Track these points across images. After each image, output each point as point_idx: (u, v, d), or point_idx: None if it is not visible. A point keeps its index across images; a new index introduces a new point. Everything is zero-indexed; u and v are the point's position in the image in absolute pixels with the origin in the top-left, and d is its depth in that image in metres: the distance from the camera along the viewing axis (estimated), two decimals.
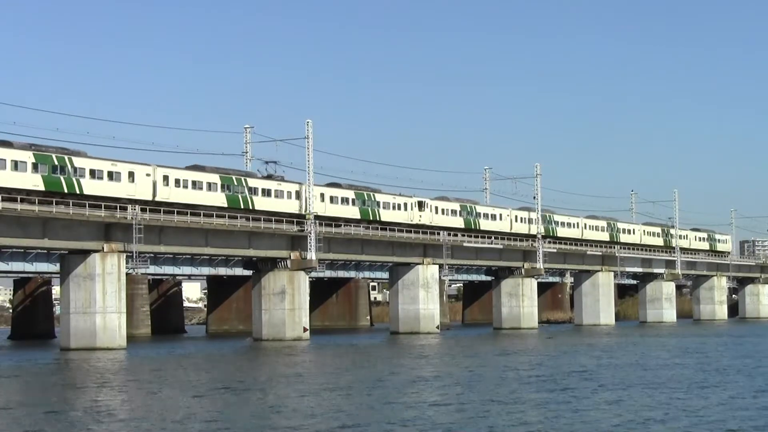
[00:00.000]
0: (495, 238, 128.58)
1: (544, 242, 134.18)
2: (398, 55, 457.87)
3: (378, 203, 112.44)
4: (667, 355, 73.16)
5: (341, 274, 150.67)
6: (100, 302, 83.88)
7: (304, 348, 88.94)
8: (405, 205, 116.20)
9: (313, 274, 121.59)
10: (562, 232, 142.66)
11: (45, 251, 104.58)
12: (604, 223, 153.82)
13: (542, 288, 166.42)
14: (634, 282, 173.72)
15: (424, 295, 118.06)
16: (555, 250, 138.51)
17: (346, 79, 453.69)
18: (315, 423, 35.82)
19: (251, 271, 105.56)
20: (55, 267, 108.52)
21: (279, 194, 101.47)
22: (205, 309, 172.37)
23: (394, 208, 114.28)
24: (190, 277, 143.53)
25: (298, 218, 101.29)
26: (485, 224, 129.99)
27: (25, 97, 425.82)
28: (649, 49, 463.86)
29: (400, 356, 76.29)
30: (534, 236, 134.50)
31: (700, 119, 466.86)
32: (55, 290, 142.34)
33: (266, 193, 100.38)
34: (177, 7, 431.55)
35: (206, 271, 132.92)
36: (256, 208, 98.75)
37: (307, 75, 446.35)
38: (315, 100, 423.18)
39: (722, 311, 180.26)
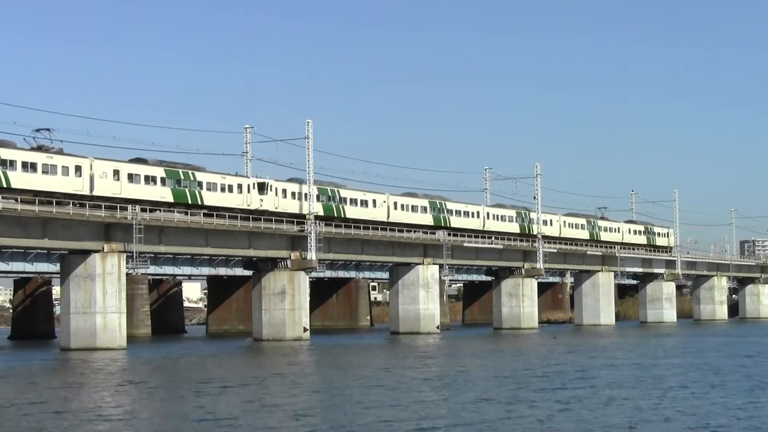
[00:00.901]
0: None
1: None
2: (398, 55, 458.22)
3: (199, 183, 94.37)
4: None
5: (341, 274, 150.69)
6: (101, 302, 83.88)
7: (305, 348, 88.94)
8: (239, 186, 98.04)
9: (313, 274, 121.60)
10: (457, 222, 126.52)
11: (45, 251, 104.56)
12: (513, 213, 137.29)
13: (542, 288, 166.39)
14: (634, 282, 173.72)
15: (424, 295, 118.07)
16: (555, 251, 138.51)
17: (346, 79, 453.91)
18: (312, 423, 35.83)
19: (251, 271, 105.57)
20: (55, 267, 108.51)
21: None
22: (205, 309, 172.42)
23: (223, 189, 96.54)
24: (190, 277, 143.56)
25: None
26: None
27: (25, 97, 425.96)
28: (649, 49, 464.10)
29: (403, 356, 76.26)
30: (534, 236, 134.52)
31: (700, 119, 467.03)
32: (55, 290, 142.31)
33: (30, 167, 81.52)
34: (177, 7, 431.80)
35: (206, 271, 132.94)
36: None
37: (307, 75, 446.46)
38: (315, 100, 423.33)
39: (722, 311, 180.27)
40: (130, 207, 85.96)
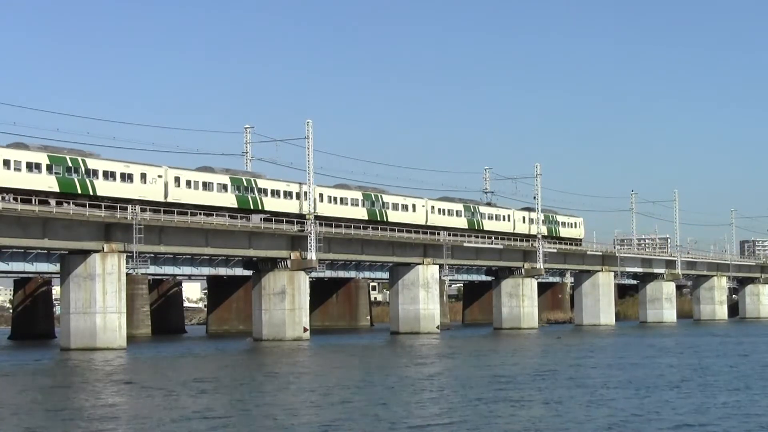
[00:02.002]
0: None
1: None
2: (398, 55, 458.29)
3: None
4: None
5: (341, 274, 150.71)
6: (101, 302, 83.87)
7: (305, 348, 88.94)
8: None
9: (313, 274, 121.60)
10: (395, 216, 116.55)
11: (45, 251, 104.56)
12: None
13: (542, 288, 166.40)
14: (634, 282, 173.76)
15: (425, 295, 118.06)
16: (555, 251, 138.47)
17: (346, 79, 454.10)
18: (308, 423, 35.86)
19: (251, 271, 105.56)
20: (55, 267, 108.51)
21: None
22: (205, 309, 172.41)
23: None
24: (190, 277, 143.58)
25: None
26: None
27: (26, 97, 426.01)
28: (649, 49, 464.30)
29: (407, 357, 76.25)
30: (534, 236, 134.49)
31: (700, 119, 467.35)
32: (55, 290, 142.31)
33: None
34: (177, 7, 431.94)
35: (206, 271, 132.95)
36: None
37: (307, 75, 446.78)
38: (315, 100, 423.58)
39: (722, 311, 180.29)
40: (130, 207, 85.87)
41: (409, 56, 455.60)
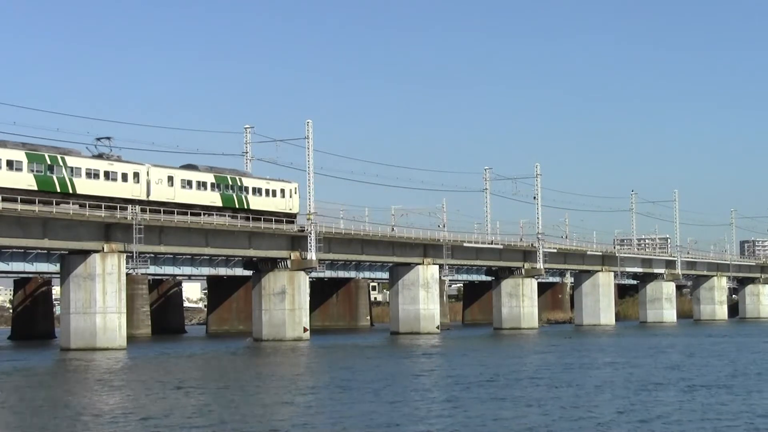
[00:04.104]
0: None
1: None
2: (398, 56, 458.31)
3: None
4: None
5: (341, 274, 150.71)
6: (100, 302, 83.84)
7: (305, 348, 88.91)
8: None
9: (313, 274, 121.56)
10: (258, 203, 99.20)
11: (45, 251, 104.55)
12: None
13: (542, 288, 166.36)
14: (634, 282, 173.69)
15: (425, 295, 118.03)
16: (555, 251, 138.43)
17: (346, 79, 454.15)
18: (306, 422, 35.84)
19: (251, 271, 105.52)
20: (55, 267, 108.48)
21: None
22: (205, 309, 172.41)
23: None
24: (190, 277, 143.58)
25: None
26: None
27: (25, 97, 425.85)
28: (650, 49, 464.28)
29: (410, 357, 76.21)
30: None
31: (700, 119, 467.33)
32: (55, 290, 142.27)
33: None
34: (177, 7, 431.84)
35: (206, 271, 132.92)
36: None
37: (307, 75, 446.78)
38: (315, 100, 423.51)
39: (722, 311, 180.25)
40: (129, 207, 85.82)
41: (409, 56, 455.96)
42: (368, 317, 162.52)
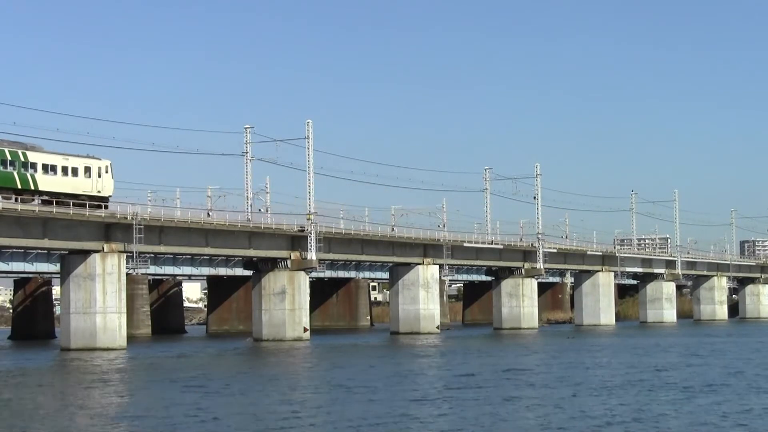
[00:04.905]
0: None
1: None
2: (398, 56, 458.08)
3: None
4: None
5: (341, 274, 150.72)
6: (101, 302, 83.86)
7: (305, 348, 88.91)
8: None
9: (313, 274, 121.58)
10: (50, 184, 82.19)
11: (45, 251, 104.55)
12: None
13: (542, 288, 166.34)
14: (635, 282, 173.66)
15: (425, 295, 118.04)
16: (555, 251, 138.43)
17: (345, 79, 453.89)
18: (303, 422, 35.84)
19: (251, 271, 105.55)
20: (55, 267, 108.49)
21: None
22: (205, 309, 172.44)
23: None
24: (190, 277, 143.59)
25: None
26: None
27: (25, 97, 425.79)
28: (650, 49, 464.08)
29: (412, 357, 76.22)
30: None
31: (700, 119, 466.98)
32: (55, 290, 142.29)
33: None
34: (177, 7, 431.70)
35: (206, 271, 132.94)
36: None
37: (307, 75, 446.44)
38: (315, 100, 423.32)
39: (722, 311, 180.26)
40: (129, 207, 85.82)
41: (409, 56, 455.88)
42: (368, 317, 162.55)
